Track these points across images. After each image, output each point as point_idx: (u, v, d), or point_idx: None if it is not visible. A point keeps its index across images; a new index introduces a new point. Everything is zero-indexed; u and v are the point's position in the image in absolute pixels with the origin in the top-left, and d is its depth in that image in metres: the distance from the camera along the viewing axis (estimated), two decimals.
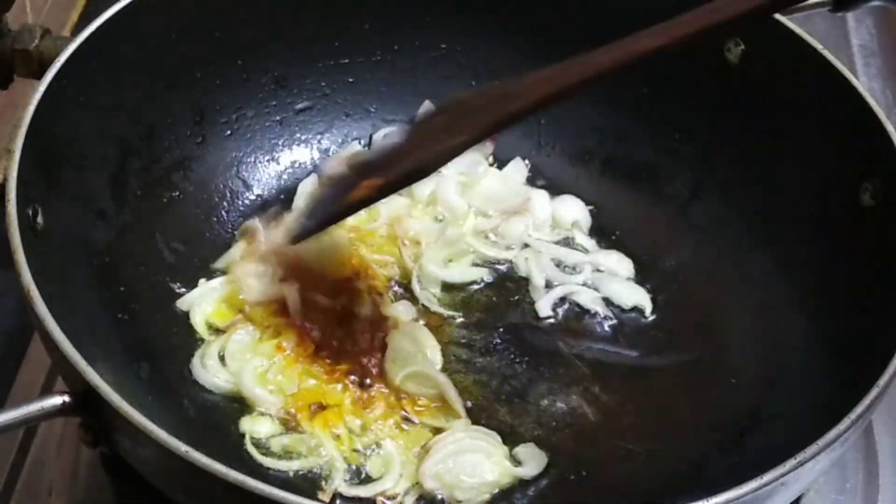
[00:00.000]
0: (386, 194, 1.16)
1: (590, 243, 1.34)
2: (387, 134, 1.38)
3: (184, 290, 1.22)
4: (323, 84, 1.39)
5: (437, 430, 1.14)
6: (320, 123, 1.39)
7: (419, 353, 1.19)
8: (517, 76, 1.10)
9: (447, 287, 1.28)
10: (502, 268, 1.31)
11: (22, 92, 1.36)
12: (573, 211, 1.36)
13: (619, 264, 1.32)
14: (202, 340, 1.19)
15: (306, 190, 1.34)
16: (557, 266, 1.31)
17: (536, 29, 1.38)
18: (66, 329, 0.94)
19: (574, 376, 1.21)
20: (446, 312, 1.25)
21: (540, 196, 1.36)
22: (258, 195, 1.34)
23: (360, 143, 1.40)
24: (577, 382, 1.21)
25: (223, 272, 1.25)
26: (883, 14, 1.76)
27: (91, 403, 0.92)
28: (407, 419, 1.14)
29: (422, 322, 1.24)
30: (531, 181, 1.39)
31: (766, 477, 0.91)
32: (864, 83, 1.21)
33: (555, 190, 1.38)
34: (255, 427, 1.12)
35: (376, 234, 1.30)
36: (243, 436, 1.12)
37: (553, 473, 1.13)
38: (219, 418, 1.14)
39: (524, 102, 1.10)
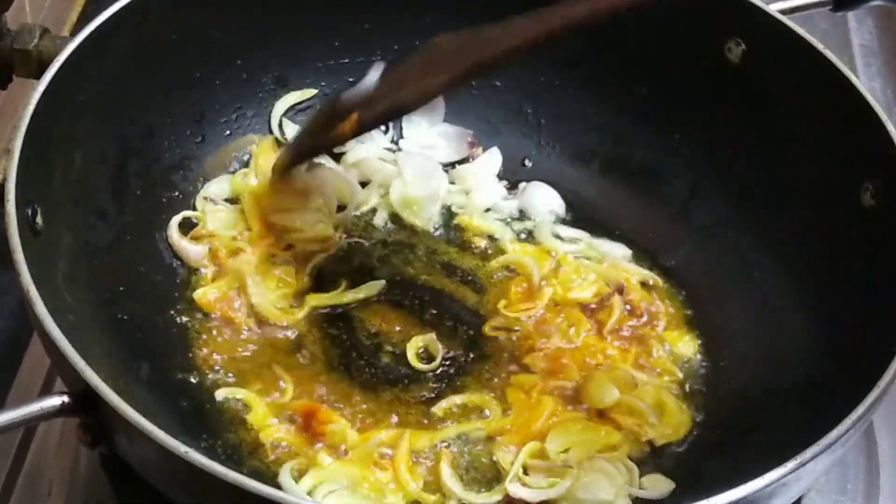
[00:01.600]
0: (366, 130, 1.23)
1: (572, 232, 1.34)
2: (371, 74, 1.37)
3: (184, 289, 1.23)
4: (323, 84, 1.39)
5: None
6: None
7: None
8: (497, 22, 1.13)
9: None
10: None
11: (21, 92, 1.36)
12: (548, 200, 1.36)
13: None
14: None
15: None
16: None
17: None
18: (66, 329, 0.94)
19: None
20: None
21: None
22: None
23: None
24: None
25: None
26: (883, 14, 1.76)
27: (90, 404, 0.92)
28: None
29: None
30: (530, 179, 1.39)
31: (767, 477, 0.91)
32: (865, 83, 1.20)
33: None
34: None
35: None
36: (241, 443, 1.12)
37: None
38: (219, 418, 1.14)
39: (502, 48, 1.13)
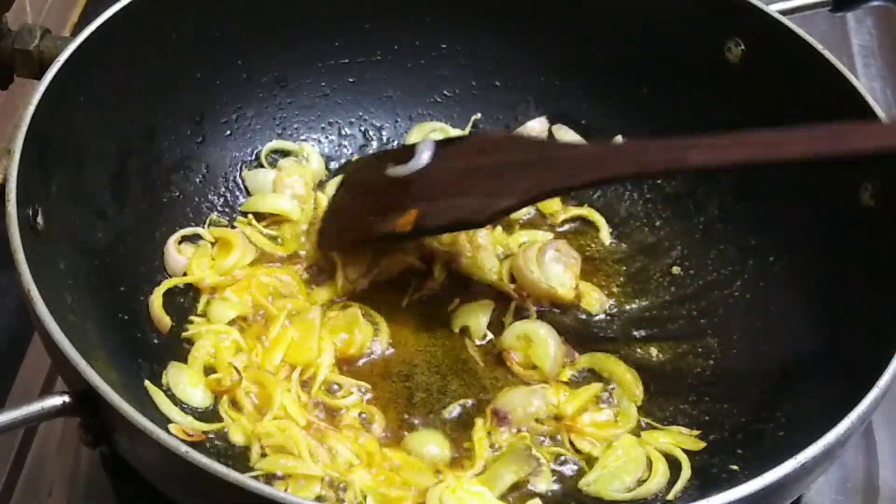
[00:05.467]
0: (424, 235, 1.19)
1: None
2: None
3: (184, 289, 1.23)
4: (323, 84, 1.39)
5: None
6: (320, 123, 1.39)
7: None
8: (571, 145, 1.14)
9: None
10: None
11: (22, 92, 1.36)
12: None
13: None
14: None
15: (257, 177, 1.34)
16: None
17: (536, 29, 1.38)
18: (66, 329, 0.94)
19: None
20: None
21: None
22: None
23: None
24: None
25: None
26: (883, 14, 1.76)
27: (91, 403, 0.92)
28: None
29: None
30: None
31: (767, 477, 0.91)
32: (864, 83, 1.20)
33: None
34: None
35: None
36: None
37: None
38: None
39: (578, 181, 1.13)
